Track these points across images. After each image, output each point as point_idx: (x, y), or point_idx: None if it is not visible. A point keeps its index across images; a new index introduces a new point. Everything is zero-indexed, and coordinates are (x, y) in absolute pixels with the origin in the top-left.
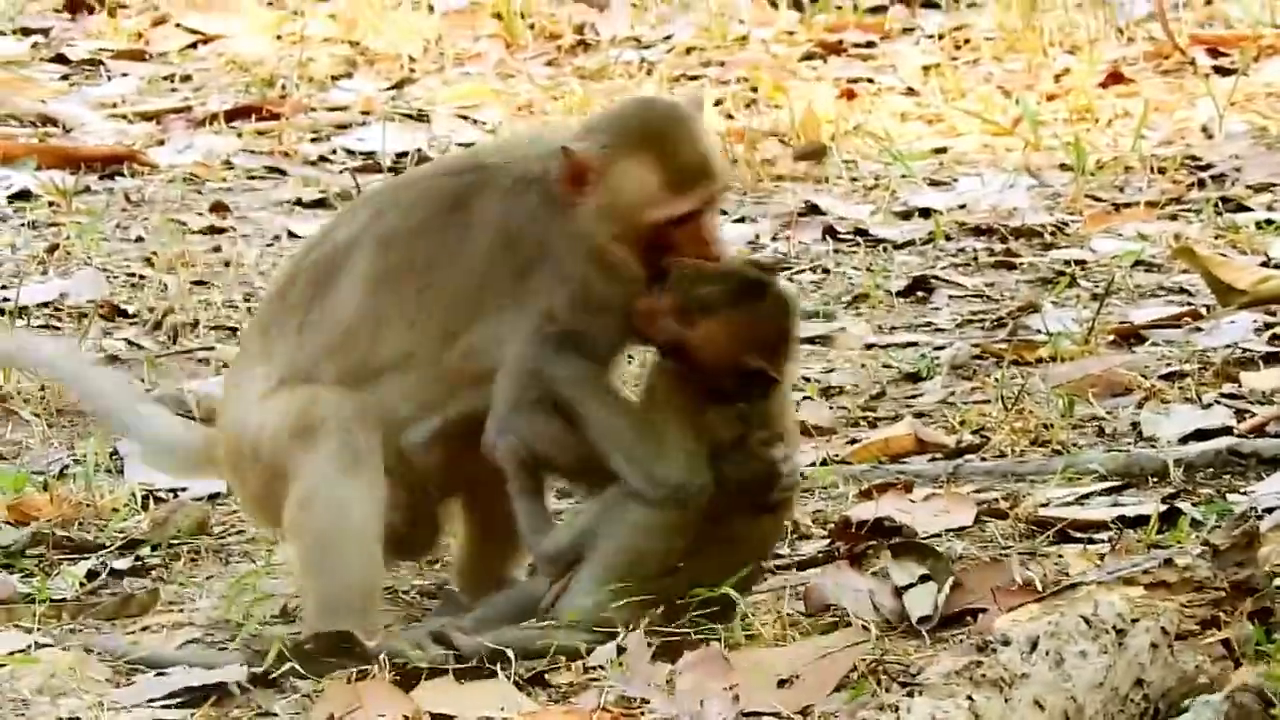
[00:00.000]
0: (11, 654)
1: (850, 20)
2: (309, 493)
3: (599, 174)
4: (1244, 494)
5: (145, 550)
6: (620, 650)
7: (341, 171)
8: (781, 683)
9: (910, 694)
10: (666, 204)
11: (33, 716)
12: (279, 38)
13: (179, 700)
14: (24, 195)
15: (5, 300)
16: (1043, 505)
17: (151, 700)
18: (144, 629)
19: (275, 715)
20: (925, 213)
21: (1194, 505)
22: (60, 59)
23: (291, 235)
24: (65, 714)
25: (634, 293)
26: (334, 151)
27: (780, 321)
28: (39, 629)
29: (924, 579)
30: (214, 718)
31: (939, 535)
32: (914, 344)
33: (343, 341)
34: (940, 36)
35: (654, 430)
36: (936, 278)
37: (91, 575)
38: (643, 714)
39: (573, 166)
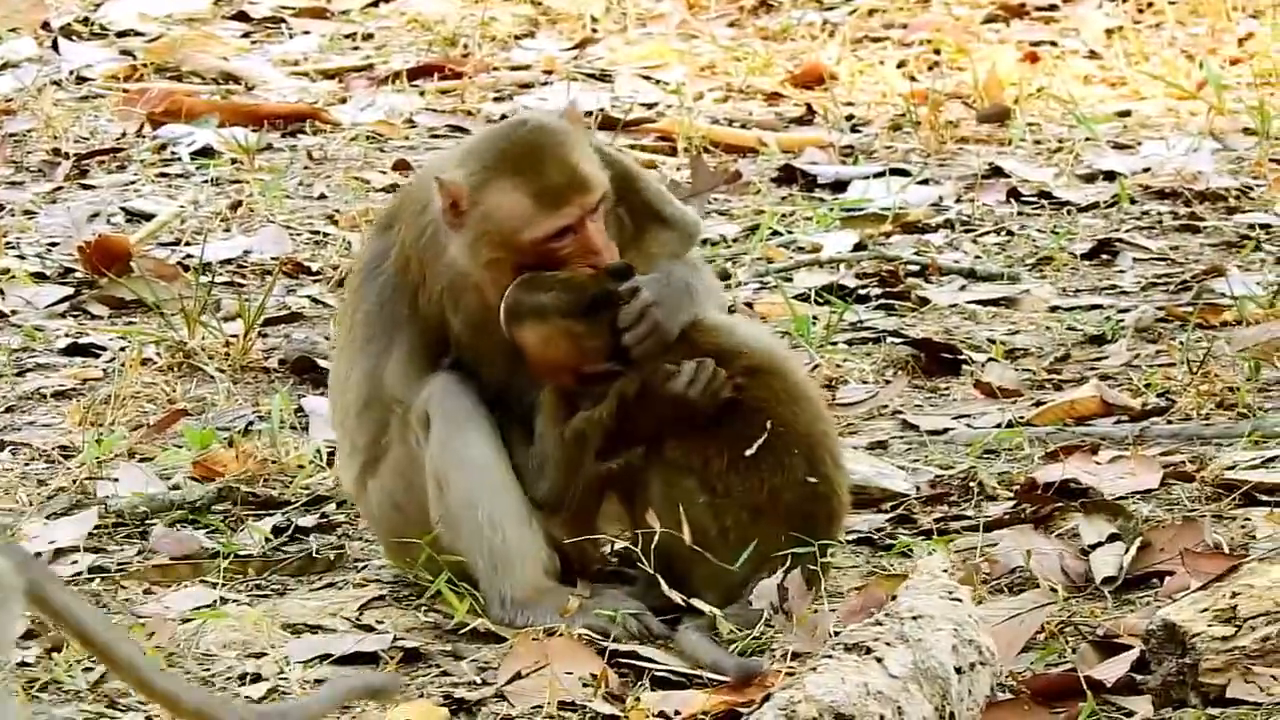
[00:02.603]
0: (197, 609)
1: None
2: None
3: (472, 202)
4: None
5: (330, 507)
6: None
7: None
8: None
9: None
10: (540, 222)
11: (217, 670)
12: None
13: (362, 657)
14: (206, 152)
15: (189, 257)
16: (1228, 468)
17: (334, 657)
18: (328, 586)
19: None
20: (1109, 176)
21: None
22: (242, 16)
23: None
24: (249, 669)
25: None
26: (516, 111)
27: (606, 331)
28: (224, 584)
29: (1110, 540)
30: (400, 674)
31: (1125, 498)
32: (1098, 307)
33: None
34: (1123, 0)
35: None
36: (1121, 241)
37: (277, 531)
38: (816, 669)
39: (448, 195)
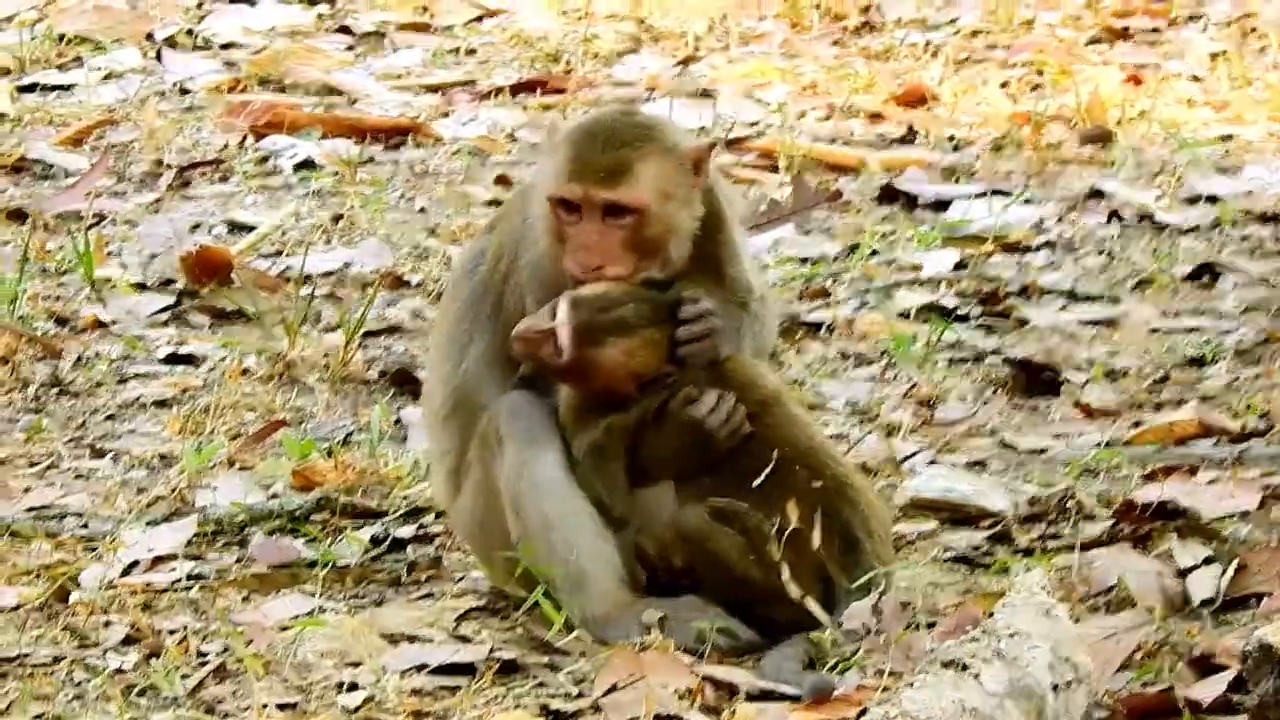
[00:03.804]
0: (295, 618)
1: (1137, 6)
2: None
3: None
4: None
5: (428, 518)
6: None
7: None
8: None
9: None
10: (555, 183)
11: (314, 679)
12: (564, 13)
13: (458, 668)
14: (308, 165)
15: (290, 269)
16: None
17: (430, 667)
18: (426, 596)
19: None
20: (1211, 199)
21: None
22: (345, 30)
23: None
24: (346, 678)
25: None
26: None
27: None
28: (322, 593)
29: (1207, 561)
30: (493, 686)
31: (1223, 519)
32: (1198, 329)
33: None
34: (1227, 24)
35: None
36: (1222, 264)
37: (375, 541)
38: (911, 685)
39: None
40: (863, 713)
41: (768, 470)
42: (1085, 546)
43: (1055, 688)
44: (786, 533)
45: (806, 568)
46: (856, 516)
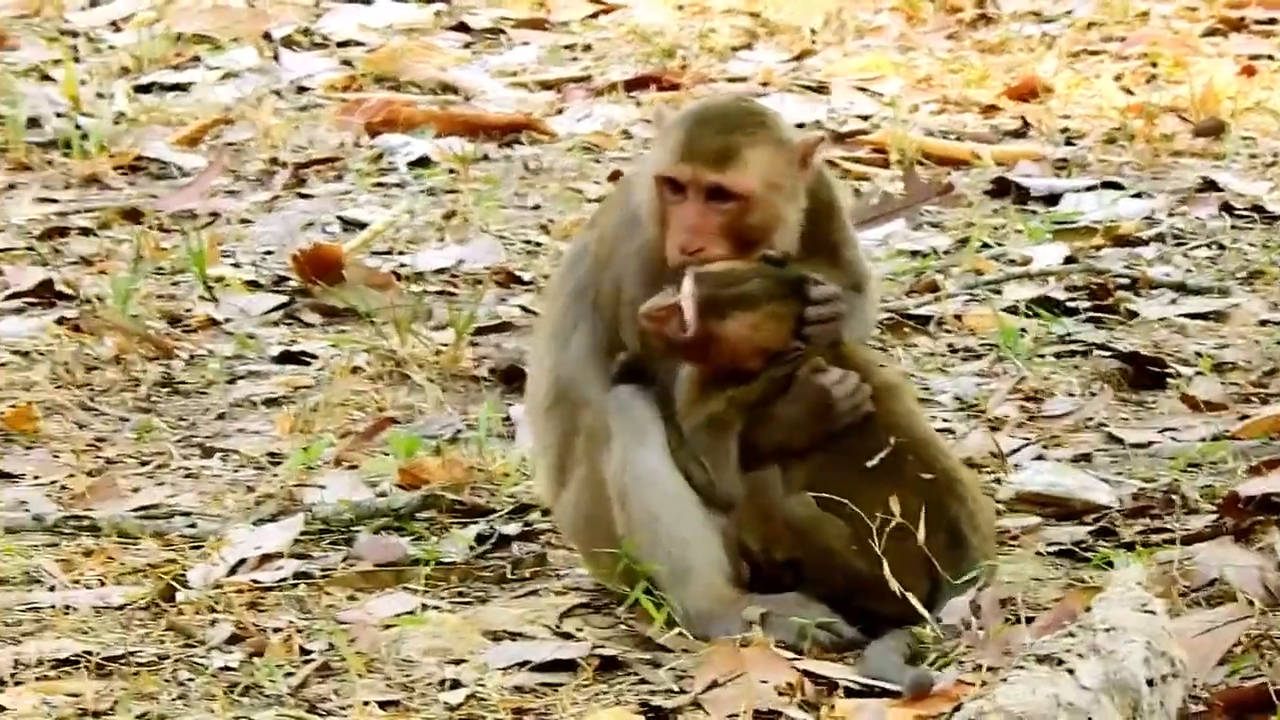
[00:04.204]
0: (399, 616)
1: None
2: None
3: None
4: None
5: (535, 515)
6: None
7: None
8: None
9: None
10: (661, 162)
11: (417, 676)
12: (680, 8)
13: (560, 665)
14: (423, 162)
15: (403, 266)
16: None
17: (532, 664)
18: (530, 593)
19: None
20: None
21: None
22: (462, 27)
23: None
24: (448, 675)
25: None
26: None
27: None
28: (427, 591)
29: None
30: (594, 683)
31: None
32: None
33: None
34: None
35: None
36: None
37: (480, 539)
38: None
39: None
40: (958, 708)
41: (883, 455)
42: (1187, 541)
43: (1151, 682)
44: (892, 525)
45: (911, 562)
46: (964, 512)
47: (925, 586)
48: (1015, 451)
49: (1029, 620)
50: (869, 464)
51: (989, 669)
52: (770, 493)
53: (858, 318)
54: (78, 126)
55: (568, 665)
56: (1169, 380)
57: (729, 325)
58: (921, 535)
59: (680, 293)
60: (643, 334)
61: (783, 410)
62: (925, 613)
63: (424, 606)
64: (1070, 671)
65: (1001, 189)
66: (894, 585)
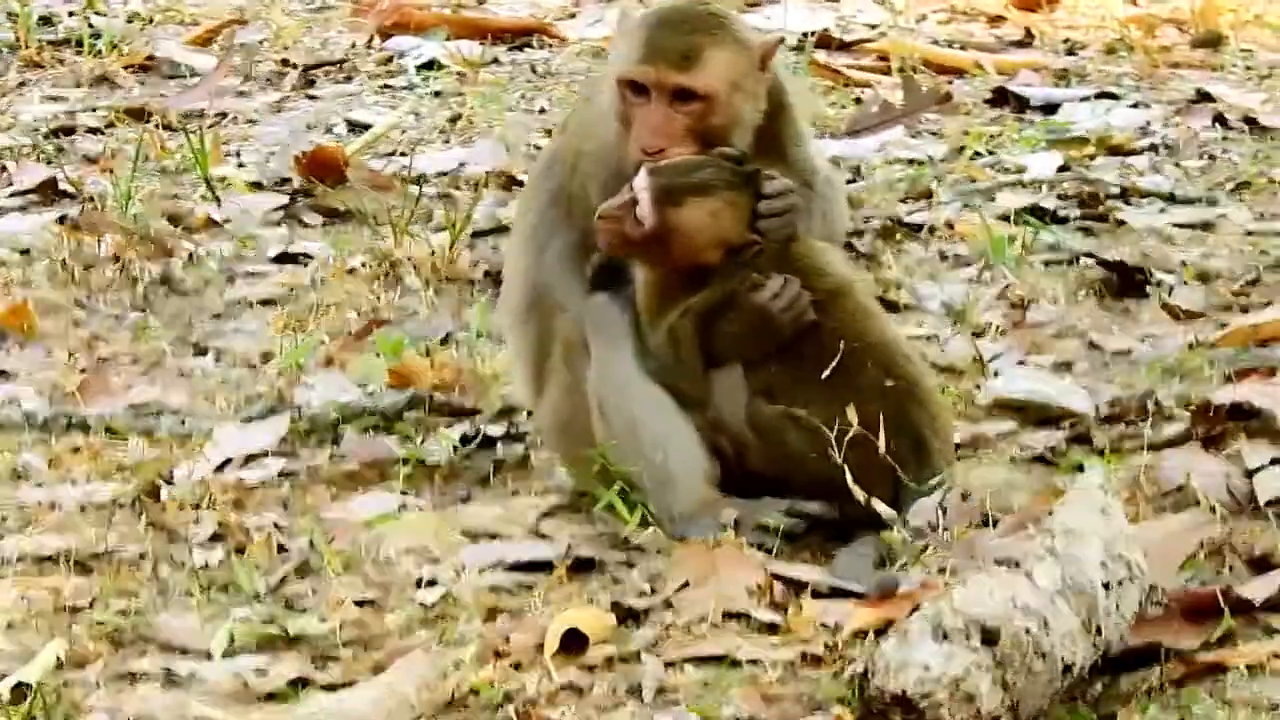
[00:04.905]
0: (380, 515)
1: None
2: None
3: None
4: None
5: (521, 416)
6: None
7: None
8: None
9: None
10: (624, 66)
11: (394, 576)
12: None
13: (536, 565)
14: (432, 65)
15: (405, 168)
16: None
17: (508, 564)
18: (511, 494)
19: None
20: None
21: None
22: None
23: None
24: (426, 574)
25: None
26: None
27: (748, 200)
28: (409, 491)
29: (1274, 462)
30: (569, 583)
31: None
32: None
33: None
34: None
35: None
36: None
37: (465, 440)
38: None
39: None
40: (916, 609)
41: (834, 363)
42: (1158, 447)
43: (1107, 585)
44: (851, 432)
45: (875, 467)
46: (924, 416)
47: (890, 491)
48: (996, 358)
49: (994, 523)
50: (822, 376)
51: (954, 572)
52: (734, 398)
53: (815, 215)
54: (90, 25)
55: (543, 565)
56: (1149, 289)
57: (685, 213)
58: (882, 443)
59: (635, 187)
60: (600, 235)
61: (726, 327)
62: (893, 515)
63: (404, 506)
64: (1028, 574)
65: (1001, 98)
66: (858, 493)
